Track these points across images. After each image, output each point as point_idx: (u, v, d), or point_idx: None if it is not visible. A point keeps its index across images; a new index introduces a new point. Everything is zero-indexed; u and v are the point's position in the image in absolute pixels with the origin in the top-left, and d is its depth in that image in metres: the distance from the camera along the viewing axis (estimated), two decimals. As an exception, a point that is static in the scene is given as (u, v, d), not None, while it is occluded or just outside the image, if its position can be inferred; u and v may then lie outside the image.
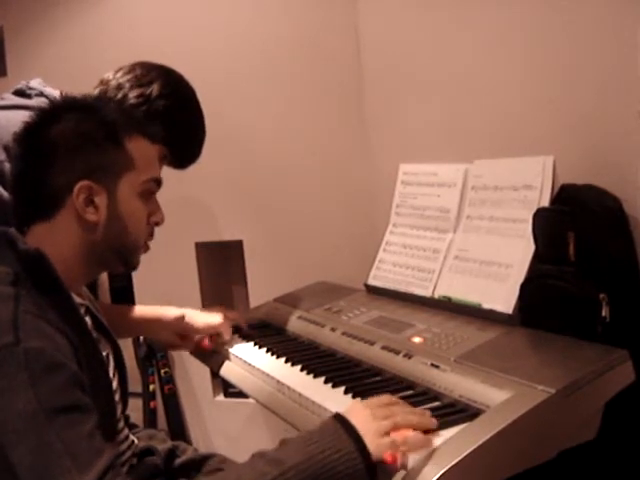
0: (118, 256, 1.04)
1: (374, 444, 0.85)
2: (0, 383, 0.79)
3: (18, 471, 0.75)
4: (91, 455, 0.77)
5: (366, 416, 0.89)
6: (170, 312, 1.45)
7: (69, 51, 2.32)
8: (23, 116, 1.29)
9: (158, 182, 1.06)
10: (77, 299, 1.00)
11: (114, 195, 0.99)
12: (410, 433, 0.88)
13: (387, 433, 0.87)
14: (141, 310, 1.47)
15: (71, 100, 1.06)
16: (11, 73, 2.44)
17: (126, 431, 1.16)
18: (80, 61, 2.19)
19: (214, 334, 1.47)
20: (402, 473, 0.86)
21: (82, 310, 1.01)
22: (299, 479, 0.80)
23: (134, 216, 1.02)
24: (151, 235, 1.09)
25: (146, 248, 1.09)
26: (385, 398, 0.96)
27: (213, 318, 1.46)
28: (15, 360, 0.80)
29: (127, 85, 1.35)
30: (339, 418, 0.89)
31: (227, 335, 1.46)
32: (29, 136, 1.00)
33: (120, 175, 0.99)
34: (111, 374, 1.08)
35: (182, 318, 1.44)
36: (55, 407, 0.78)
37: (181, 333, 1.46)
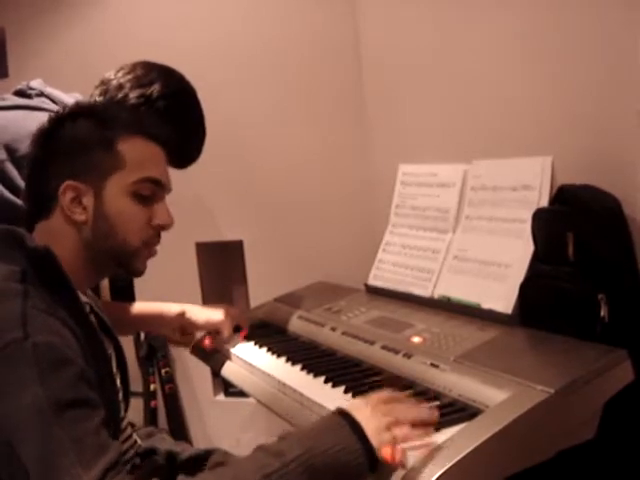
0: (113, 259, 1.04)
1: (376, 439, 0.86)
2: (8, 378, 0.79)
3: (26, 464, 0.75)
4: (96, 451, 0.78)
5: (367, 412, 0.89)
6: (171, 308, 1.46)
7: (71, 52, 2.32)
8: (23, 115, 1.30)
9: (157, 182, 1.05)
10: (82, 298, 1.00)
11: (101, 195, 1.00)
12: (412, 431, 0.89)
13: (388, 428, 0.88)
14: (142, 306, 1.47)
15: (80, 105, 1.08)
16: (13, 74, 2.45)
17: (129, 430, 1.17)
18: (81, 62, 2.20)
19: (214, 331, 1.47)
20: (402, 472, 0.86)
21: (87, 308, 1.02)
22: (301, 471, 0.80)
23: (122, 216, 1.01)
24: (157, 238, 1.08)
25: (150, 252, 1.08)
26: (385, 395, 0.97)
27: (215, 314, 1.46)
28: (23, 355, 0.80)
29: (128, 85, 1.35)
30: (341, 412, 0.90)
31: (227, 332, 1.45)
32: (40, 138, 1.03)
33: (107, 175, 1.00)
34: (114, 373, 1.08)
35: (183, 314, 1.45)
36: (63, 402, 0.79)
37: (182, 329, 1.47)
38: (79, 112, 1.05)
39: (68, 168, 0.99)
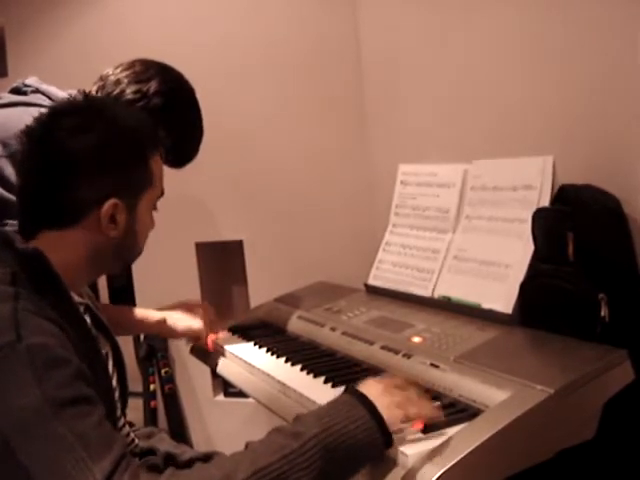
0: (121, 264, 1.07)
1: (388, 415, 0.88)
2: (4, 381, 0.79)
3: (29, 468, 0.75)
4: (103, 444, 0.77)
5: (379, 390, 0.91)
6: (152, 315, 1.45)
7: (70, 51, 2.32)
8: (20, 113, 1.29)
9: (163, 194, 1.08)
10: (77, 298, 1.00)
11: (134, 212, 1.00)
12: (423, 409, 0.93)
13: (399, 406, 0.90)
14: (127, 310, 1.46)
15: (89, 102, 1.03)
16: (12, 73, 2.44)
17: (127, 430, 1.16)
18: (81, 61, 2.19)
19: (193, 338, 1.49)
20: (402, 472, 0.87)
21: (82, 309, 1.01)
22: (319, 449, 0.81)
23: (144, 230, 1.05)
24: None
25: None
26: (398, 379, 0.99)
27: (194, 322, 1.46)
28: (18, 357, 0.80)
29: (125, 81, 1.35)
30: (353, 391, 0.91)
31: (204, 340, 1.48)
32: (43, 142, 0.96)
33: (143, 193, 1.01)
34: (110, 372, 1.08)
35: (164, 322, 1.44)
36: (62, 400, 0.78)
37: (163, 336, 1.48)
38: (93, 110, 0.99)
39: (105, 184, 0.95)
